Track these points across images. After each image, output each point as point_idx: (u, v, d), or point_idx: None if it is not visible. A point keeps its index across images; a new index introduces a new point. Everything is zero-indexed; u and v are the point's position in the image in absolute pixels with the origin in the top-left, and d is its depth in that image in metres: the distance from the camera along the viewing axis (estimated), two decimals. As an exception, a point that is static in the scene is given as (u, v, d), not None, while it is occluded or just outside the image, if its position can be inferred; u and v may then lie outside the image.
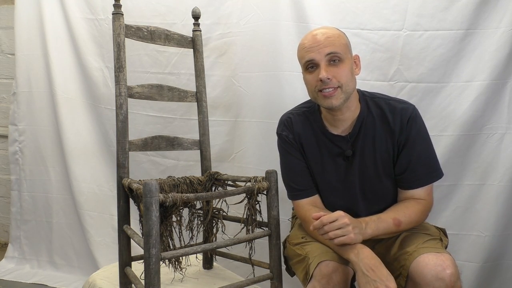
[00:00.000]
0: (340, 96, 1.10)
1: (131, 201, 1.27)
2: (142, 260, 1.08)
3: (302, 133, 1.23)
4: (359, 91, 1.20)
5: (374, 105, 1.18)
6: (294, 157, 1.23)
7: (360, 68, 1.19)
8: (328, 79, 1.08)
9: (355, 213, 1.18)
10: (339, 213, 1.03)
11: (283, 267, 1.27)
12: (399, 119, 1.14)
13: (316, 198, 1.23)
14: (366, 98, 1.19)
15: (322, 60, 1.09)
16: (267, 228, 1.25)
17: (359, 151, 1.17)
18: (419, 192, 1.15)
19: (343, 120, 1.17)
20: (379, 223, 1.08)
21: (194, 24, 1.51)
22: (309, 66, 1.12)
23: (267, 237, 1.24)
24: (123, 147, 1.28)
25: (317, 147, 1.21)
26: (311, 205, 1.21)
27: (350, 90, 1.12)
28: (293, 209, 1.46)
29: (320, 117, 1.21)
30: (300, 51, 1.15)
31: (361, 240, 1.03)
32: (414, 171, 1.14)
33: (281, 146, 1.27)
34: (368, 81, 1.67)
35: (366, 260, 0.99)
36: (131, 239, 1.25)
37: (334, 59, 1.09)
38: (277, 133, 1.28)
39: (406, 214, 1.11)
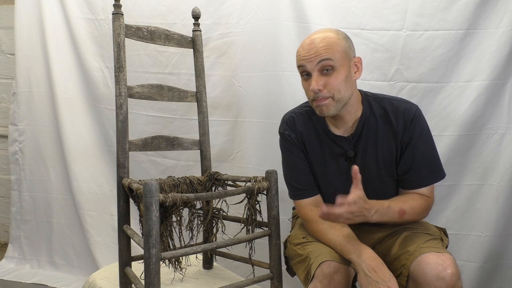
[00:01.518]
0: (331, 105, 1.09)
1: (131, 201, 1.27)
2: (142, 260, 1.08)
3: (304, 133, 1.22)
4: (361, 92, 1.20)
5: (377, 106, 1.17)
6: (297, 156, 1.23)
7: (361, 71, 1.17)
8: (319, 90, 1.08)
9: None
10: (358, 194, 0.99)
11: (284, 267, 1.27)
12: (402, 119, 1.14)
13: (318, 198, 1.22)
14: (369, 99, 1.18)
15: (314, 70, 1.09)
16: (267, 228, 1.25)
17: (361, 152, 1.17)
18: (422, 191, 1.15)
19: (345, 121, 1.17)
20: (387, 212, 1.06)
21: (194, 24, 1.51)
22: (304, 74, 1.13)
23: (267, 237, 1.24)
24: (123, 147, 1.28)
25: (319, 147, 1.21)
26: (313, 205, 1.20)
27: (344, 98, 1.10)
28: (293, 209, 1.47)
29: (323, 117, 1.21)
30: (296, 56, 1.15)
31: (361, 221, 1.01)
32: (416, 171, 1.14)
33: (283, 145, 1.26)
34: (368, 81, 1.67)
35: (368, 261, 0.98)
36: (131, 239, 1.25)
37: (326, 68, 1.08)
38: (279, 132, 1.27)
39: (412, 206, 1.11)
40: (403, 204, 1.11)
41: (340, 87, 1.09)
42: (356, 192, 0.99)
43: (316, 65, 1.08)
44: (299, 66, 1.13)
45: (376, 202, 1.07)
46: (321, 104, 1.09)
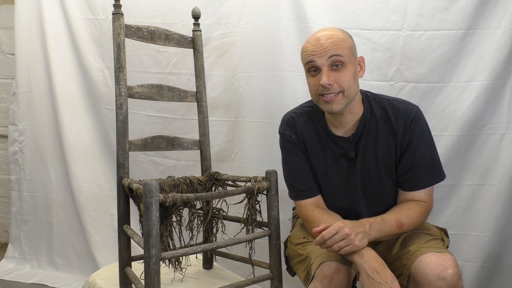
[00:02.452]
0: (341, 102, 1.09)
1: (131, 201, 1.27)
2: (142, 260, 1.08)
3: (305, 133, 1.22)
4: (362, 92, 1.19)
5: (377, 106, 1.17)
6: (297, 157, 1.22)
7: (364, 70, 1.17)
8: (330, 84, 1.07)
9: (357, 213, 1.18)
10: (338, 225, 1.01)
11: (284, 267, 1.27)
12: (402, 120, 1.13)
13: (318, 199, 1.22)
14: (370, 99, 1.18)
15: (324, 65, 1.08)
16: (267, 228, 1.25)
17: (362, 153, 1.17)
18: (420, 193, 1.15)
19: (346, 122, 1.16)
20: (383, 225, 1.07)
21: (194, 24, 1.51)
22: (311, 70, 1.11)
23: (267, 237, 1.24)
24: (123, 147, 1.28)
25: (320, 148, 1.21)
26: (313, 206, 1.20)
27: (352, 94, 1.10)
28: (293, 209, 1.47)
29: (323, 118, 1.21)
30: (302, 53, 1.14)
31: (367, 244, 1.02)
32: (416, 172, 1.14)
33: (283, 146, 1.25)
34: (368, 81, 1.67)
35: (371, 262, 0.98)
36: (131, 239, 1.25)
37: (336, 64, 1.08)
38: (279, 132, 1.27)
39: (408, 216, 1.10)
40: (399, 215, 1.10)
41: (349, 82, 1.09)
42: (336, 223, 1.02)
43: (327, 60, 1.07)
44: (307, 62, 1.11)
45: (368, 218, 1.08)
46: (331, 101, 1.08)
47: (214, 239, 1.41)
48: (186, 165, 2.00)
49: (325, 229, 1.01)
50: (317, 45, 1.09)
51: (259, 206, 1.25)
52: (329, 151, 1.20)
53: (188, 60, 1.87)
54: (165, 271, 1.27)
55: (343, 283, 1.03)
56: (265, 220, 1.26)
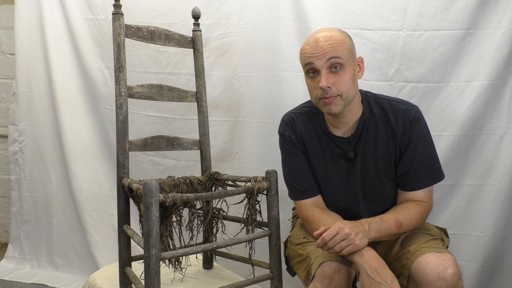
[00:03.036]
0: (340, 104, 1.09)
1: (131, 201, 1.27)
2: (142, 260, 1.08)
3: (304, 133, 1.22)
4: (362, 92, 1.19)
5: (376, 106, 1.17)
6: (297, 157, 1.22)
7: (364, 70, 1.17)
8: (328, 87, 1.06)
9: (356, 214, 1.18)
10: (338, 226, 1.01)
11: (284, 267, 1.27)
12: (402, 121, 1.13)
13: (318, 199, 1.22)
14: (369, 99, 1.18)
15: (323, 67, 1.07)
16: (267, 228, 1.25)
17: (361, 153, 1.17)
18: (420, 194, 1.15)
19: (345, 122, 1.16)
20: (382, 224, 1.07)
21: (194, 24, 1.51)
22: (310, 72, 1.11)
23: (267, 237, 1.24)
24: (123, 147, 1.28)
25: (319, 148, 1.21)
26: (313, 206, 1.20)
27: (351, 97, 1.10)
28: (293, 209, 1.47)
29: (323, 118, 1.21)
30: (301, 55, 1.13)
31: (367, 243, 1.02)
32: (416, 172, 1.14)
33: (283, 146, 1.25)
34: (368, 81, 1.67)
35: (371, 262, 0.98)
36: (131, 239, 1.25)
37: (335, 66, 1.07)
38: (279, 132, 1.27)
39: (407, 216, 1.10)
40: (398, 215, 1.10)
41: (348, 85, 1.08)
42: (336, 224, 1.02)
43: (326, 62, 1.07)
44: (306, 64, 1.11)
45: (367, 218, 1.08)
46: (330, 102, 1.08)
47: (214, 239, 1.41)
48: (186, 165, 2.00)
49: (325, 231, 1.01)
50: (316, 47, 1.08)
51: (259, 206, 1.25)
52: (328, 151, 1.20)
53: (188, 60, 1.87)
54: (165, 271, 1.27)
55: (343, 283, 1.03)
56: (265, 220, 1.26)
